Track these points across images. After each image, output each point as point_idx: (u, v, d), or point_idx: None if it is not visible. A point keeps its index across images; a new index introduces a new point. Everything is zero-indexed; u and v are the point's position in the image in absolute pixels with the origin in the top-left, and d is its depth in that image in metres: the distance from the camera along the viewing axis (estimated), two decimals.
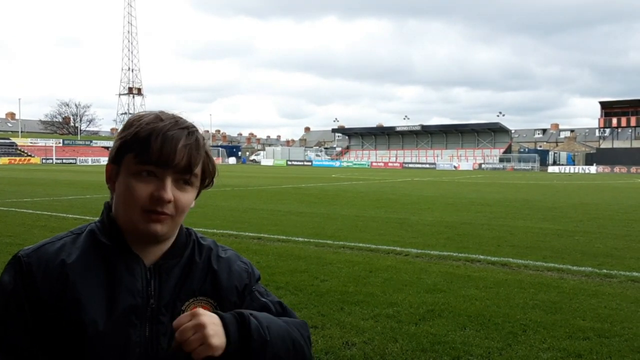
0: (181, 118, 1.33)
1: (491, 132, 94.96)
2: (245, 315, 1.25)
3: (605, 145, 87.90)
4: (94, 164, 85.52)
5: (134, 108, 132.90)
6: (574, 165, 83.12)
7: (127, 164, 1.29)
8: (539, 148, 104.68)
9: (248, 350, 1.23)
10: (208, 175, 1.36)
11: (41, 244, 1.31)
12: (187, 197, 1.32)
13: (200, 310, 1.19)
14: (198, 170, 1.32)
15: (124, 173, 1.29)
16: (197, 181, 1.34)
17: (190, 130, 1.31)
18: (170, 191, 1.27)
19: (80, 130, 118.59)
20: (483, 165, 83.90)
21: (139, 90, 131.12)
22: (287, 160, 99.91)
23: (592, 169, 74.31)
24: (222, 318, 1.21)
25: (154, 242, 1.33)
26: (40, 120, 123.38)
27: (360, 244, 10.08)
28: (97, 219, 1.38)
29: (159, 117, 1.31)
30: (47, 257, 1.27)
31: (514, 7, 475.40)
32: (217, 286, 1.39)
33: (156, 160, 1.26)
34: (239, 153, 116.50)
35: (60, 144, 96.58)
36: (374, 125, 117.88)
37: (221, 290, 1.39)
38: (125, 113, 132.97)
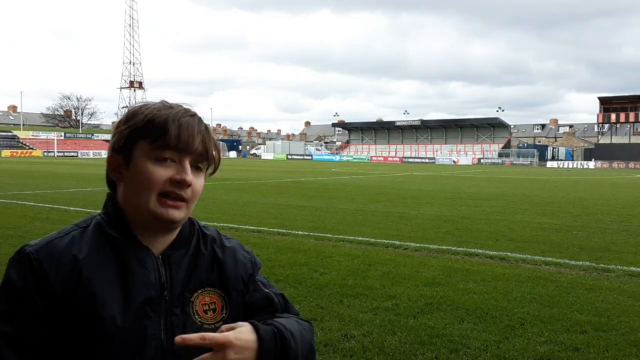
0: (187, 106, 1.35)
1: (490, 127, 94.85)
2: (287, 337, 1.26)
3: (603, 140, 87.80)
4: (96, 157, 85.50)
5: (135, 101, 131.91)
6: (573, 160, 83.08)
7: (141, 151, 1.28)
8: (537, 143, 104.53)
9: None
10: (214, 162, 1.37)
11: (49, 238, 1.28)
12: (201, 182, 1.34)
13: (232, 343, 1.18)
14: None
15: (137, 160, 1.28)
16: (207, 167, 1.36)
17: (198, 117, 1.34)
18: (190, 174, 1.29)
19: (82, 123, 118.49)
20: (482, 160, 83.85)
21: (140, 83, 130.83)
22: (287, 154, 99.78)
23: (591, 164, 74.23)
24: (260, 341, 1.22)
25: (166, 230, 1.33)
26: (42, 114, 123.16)
27: (360, 238, 10.12)
28: (101, 211, 1.36)
29: (166, 105, 1.33)
30: (58, 253, 1.24)
31: (507, 1, 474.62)
32: (223, 276, 1.39)
33: (175, 145, 1.27)
34: (240, 147, 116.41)
35: (62, 137, 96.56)
36: (372, 120, 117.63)
37: (228, 280, 1.39)
38: (126, 107, 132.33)
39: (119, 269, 1.27)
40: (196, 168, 1.32)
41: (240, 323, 1.23)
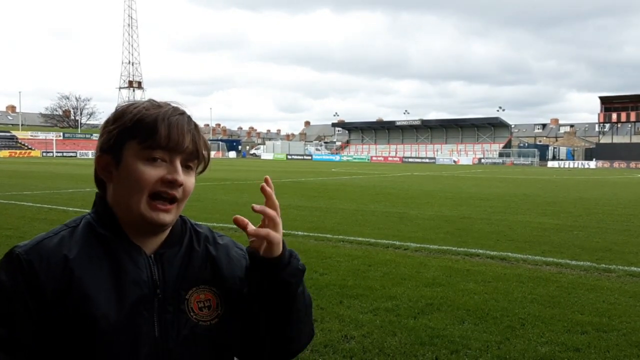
0: (175, 104, 1.34)
1: (491, 126, 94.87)
2: (296, 256, 1.34)
3: (604, 140, 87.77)
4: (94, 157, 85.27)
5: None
6: (574, 160, 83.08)
7: (130, 151, 1.27)
8: (538, 143, 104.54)
9: (289, 272, 1.30)
10: (205, 160, 1.36)
11: (38, 239, 1.27)
12: (192, 181, 1.33)
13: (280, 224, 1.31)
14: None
15: (127, 160, 1.27)
16: (197, 166, 1.35)
17: (187, 115, 1.32)
18: (182, 174, 1.28)
19: (81, 123, 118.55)
20: (483, 160, 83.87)
21: (139, 83, 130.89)
22: (287, 154, 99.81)
23: (592, 164, 74.23)
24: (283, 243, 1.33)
25: (156, 232, 1.32)
26: (41, 114, 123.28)
27: (360, 238, 10.10)
28: (90, 210, 1.35)
29: (154, 103, 1.31)
30: (48, 253, 1.23)
31: (507, 0, 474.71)
32: (217, 273, 1.39)
33: (165, 145, 1.26)
34: (239, 147, 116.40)
35: (61, 137, 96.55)
36: (372, 119, 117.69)
37: (222, 278, 1.39)
38: None
39: (111, 268, 1.26)
40: (187, 167, 1.31)
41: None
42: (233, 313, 1.37)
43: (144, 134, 1.26)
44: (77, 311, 1.20)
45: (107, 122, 1.32)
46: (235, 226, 1.31)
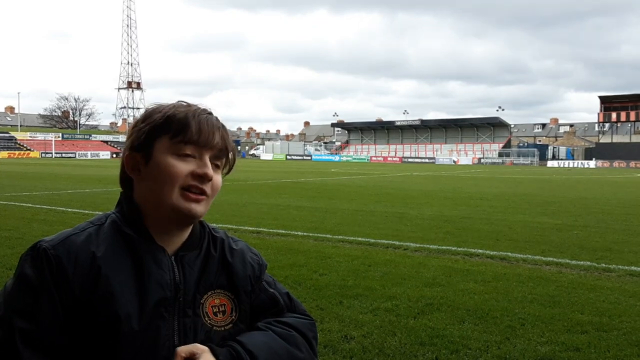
0: (203, 105, 1.37)
1: (490, 126, 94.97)
2: (243, 357, 1.26)
3: (604, 139, 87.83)
4: (93, 158, 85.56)
5: (133, 102, 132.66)
6: (573, 160, 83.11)
7: (161, 147, 1.29)
8: (538, 143, 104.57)
9: None
10: (230, 161, 1.38)
11: (65, 234, 1.27)
12: (219, 179, 1.35)
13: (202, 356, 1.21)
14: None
15: (157, 156, 1.29)
16: (223, 166, 1.37)
17: (215, 115, 1.36)
18: (211, 169, 1.30)
19: (80, 124, 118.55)
20: (482, 160, 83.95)
21: (138, 84, 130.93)
22: (286, 155, 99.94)
23: (592, 163, 74.28)
24: None
25: (184, 226, 1.34)
26: (40, 115, 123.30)
27: (360, 238, 10.08)
28: (115, 209, 1.36)
29: (182, 103, 1.35)
30: (76, 249, 1.23)
31: (504, 0, 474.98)
32: (232, 278, 1.40)
33: (196, 140, 1.29)
34: (239, 147, 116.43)
35: (60, 138, 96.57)
36: (371, 120, 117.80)
37: (237, 282, 1.40)
38: (125, 107, 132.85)
39: (135, 268, 1.27)
40: (215, 165, 1.33)
41: (198, 346, 1.23)
42: (246, 318, 1.39)
43: (175, 129, 1.29)
44: (102, 309, 1.21)
45: (137, 121, 1.35)
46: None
